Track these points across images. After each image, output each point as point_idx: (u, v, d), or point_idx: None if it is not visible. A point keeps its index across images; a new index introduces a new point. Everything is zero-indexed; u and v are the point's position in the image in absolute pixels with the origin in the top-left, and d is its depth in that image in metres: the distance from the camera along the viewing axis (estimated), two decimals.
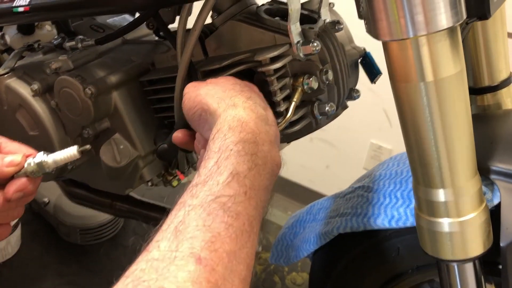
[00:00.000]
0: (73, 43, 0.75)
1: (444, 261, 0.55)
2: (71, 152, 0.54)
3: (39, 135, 0.76)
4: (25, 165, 0.54)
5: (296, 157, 1.69)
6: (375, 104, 1.44)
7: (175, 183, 0.84)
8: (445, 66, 0.45)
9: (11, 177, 0.54)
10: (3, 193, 0.53)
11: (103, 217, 1.33)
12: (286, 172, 1.82)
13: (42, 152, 0.55)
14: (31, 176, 0.54)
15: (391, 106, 1.47)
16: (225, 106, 0.48)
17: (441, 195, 0.52)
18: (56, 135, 0.75)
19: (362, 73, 0.72)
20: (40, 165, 0.54)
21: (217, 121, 0.46)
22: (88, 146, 0.54)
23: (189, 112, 0.51)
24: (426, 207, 0.53)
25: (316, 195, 1.47)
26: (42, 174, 0.55)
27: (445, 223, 0.52)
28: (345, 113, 0.76)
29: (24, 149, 0.56)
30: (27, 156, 0.55)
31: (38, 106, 0.74)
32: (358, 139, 1.55)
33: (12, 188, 0.53)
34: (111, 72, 0.72)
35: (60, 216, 1.34)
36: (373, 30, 0.46)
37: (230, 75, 0.62)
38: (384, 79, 0.73)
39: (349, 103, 0.74)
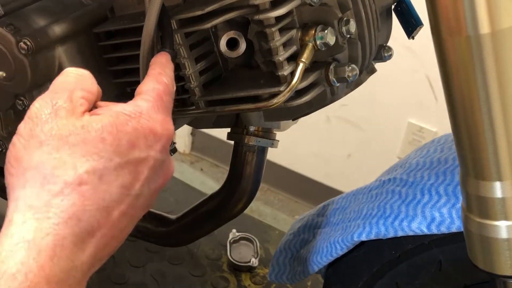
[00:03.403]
0: None
1: (501, 278, 0.56)
2: None
3: None
4: None
5: (307, 142, 1.70)
6: (416, 69, 1.44)
7: None
8: (506, 13, 0.46)
9: None
10: None
11: None
12: (294, 164, 1.84)
13: None
14: None
15: (437, 73, 1.49)
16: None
17: (497, 189, 0.52)
18: None
19: (396, 25, 0.72)
20: None
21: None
22: None
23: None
24: (478, 206, 0.54)
25: (334, 193, 1.48)
26: None
27: (502, 227, 0.53)
28: (374, 82, 0.76)
29: None
30: None
31: None
32: (391, 118, 1.56)
33: None
34: (55, 20, 0.72)
35: None
36: None
37: (217, 24, 0.62)
38: (427, 34, 0.73)
39: (380, 67, 0.75)
